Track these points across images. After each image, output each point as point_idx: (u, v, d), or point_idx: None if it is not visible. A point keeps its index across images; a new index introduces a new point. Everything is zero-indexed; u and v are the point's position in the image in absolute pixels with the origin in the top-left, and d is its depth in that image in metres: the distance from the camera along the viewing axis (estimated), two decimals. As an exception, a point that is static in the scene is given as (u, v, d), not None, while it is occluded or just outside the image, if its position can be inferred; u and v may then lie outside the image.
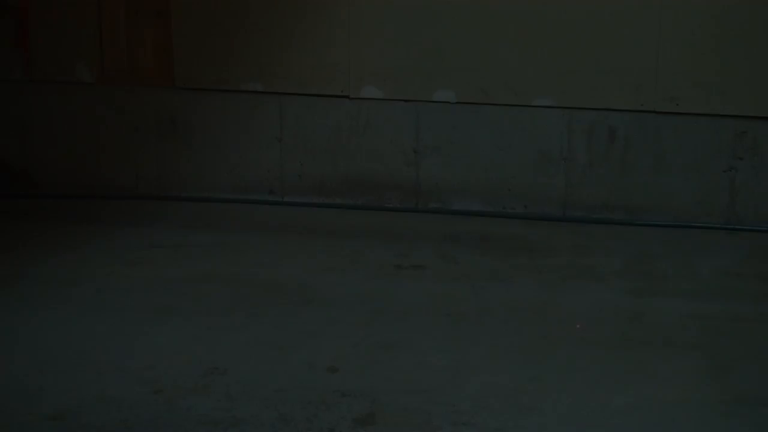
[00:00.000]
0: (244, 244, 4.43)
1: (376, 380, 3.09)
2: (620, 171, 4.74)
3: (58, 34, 5.11)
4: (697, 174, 4.66)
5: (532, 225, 4.73)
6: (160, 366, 3.16)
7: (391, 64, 4.85)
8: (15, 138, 5.30)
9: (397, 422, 2.84)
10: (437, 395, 2.99)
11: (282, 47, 4.93)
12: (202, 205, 5.07)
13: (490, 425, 2.82)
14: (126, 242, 4.45)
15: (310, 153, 5.04)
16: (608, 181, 4.76)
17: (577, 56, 4.65)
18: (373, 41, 4.84)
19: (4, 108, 5.29)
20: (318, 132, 5.01)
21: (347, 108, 4.96)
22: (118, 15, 5.06)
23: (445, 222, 4.79)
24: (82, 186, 5.26)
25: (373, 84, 4.89)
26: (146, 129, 5.18)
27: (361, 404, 2.93)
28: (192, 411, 2.89)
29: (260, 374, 3.13)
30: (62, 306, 3.69)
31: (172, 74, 5.05)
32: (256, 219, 4.83)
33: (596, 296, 3.82)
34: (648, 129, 4.67)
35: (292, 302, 3.75)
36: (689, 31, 4.52)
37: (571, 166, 4.78)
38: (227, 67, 5.00)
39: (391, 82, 4.87)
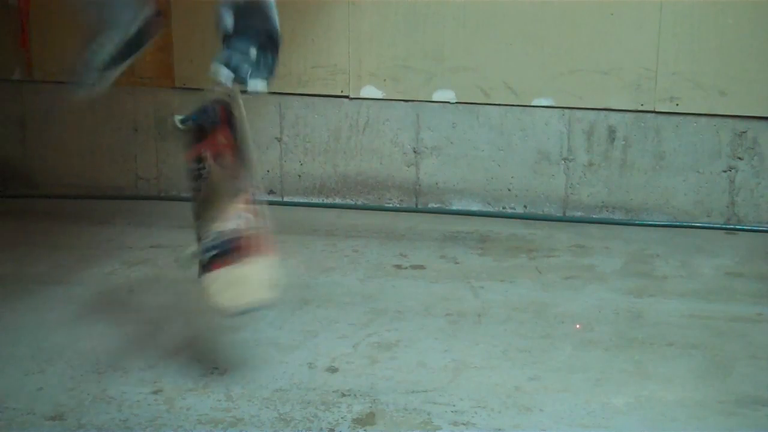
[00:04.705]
0: (244, 244, 4.42)
1: (376, 380, 3.09)
2: (620, 171, 4.74)
3: (59, 34, 5.11)
4: (696, 174, 4.66)
5: (532, 225, 4.73)
6: (160, 366, 3.16)
7: (391, 64, 4.85)
8: (15, 138, 5.31)
9: (397, 422, 2.84)
10: (437, 395, 2.99)
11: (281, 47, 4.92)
12: (202, 205, 5.06)
13: (490, 425, 2.82)
14: (126, 242, 4.45)
15: (310, 153, 5.04)
16: (608, 181, 4.76)
17: (576, 56, 4.65)
18: (373, 41, 4.84)
19: (4, 108, 5.29)
20: (318, 132, 5.02)
21: (347, 108, 4.96)
22: (118, 15, 5.06)
23: (445, 222, 4.78)
24: (81, 186, 5.26)
25: (373, 84, 4.89)
26: (146, 129, 5.18)
27: (361, 404, 2.93)
28: (192, 411, 2.89)
29: (260, 374, 3.13)
30: (62, 306, 3.69)
31: (172, 74, 5.05)
32: (256, 219, 4.82)
33: (596, 296, 3.82)
34: (648, 129, 4.67)
35: (291, 302, 3.75)
36: (689, 30, 4.52)
37: (571, 166, 4.78)
38: (227, 67, 4.99)
39: (391, 82, 4.87)
